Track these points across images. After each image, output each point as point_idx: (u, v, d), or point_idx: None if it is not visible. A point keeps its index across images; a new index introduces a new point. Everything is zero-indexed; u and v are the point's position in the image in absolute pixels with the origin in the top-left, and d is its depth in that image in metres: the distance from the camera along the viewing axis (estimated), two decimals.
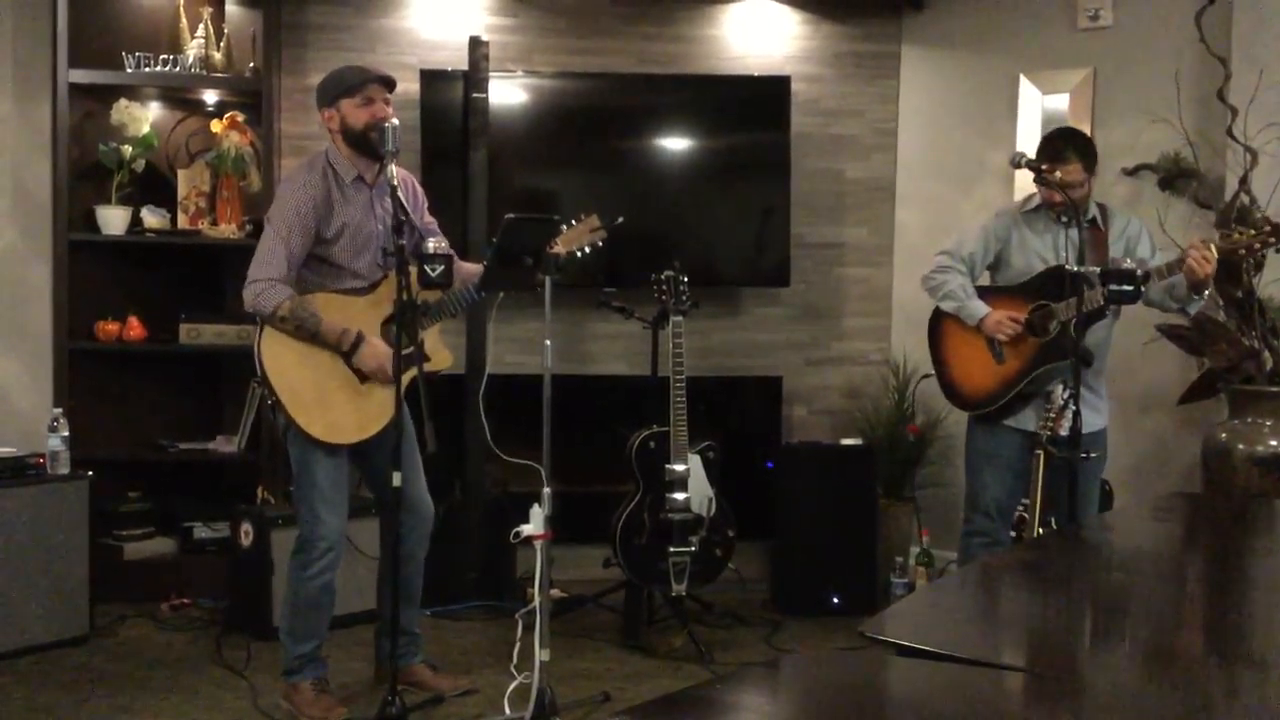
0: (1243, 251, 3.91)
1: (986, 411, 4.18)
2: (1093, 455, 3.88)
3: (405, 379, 3.62)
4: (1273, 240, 3.86)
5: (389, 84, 3.76)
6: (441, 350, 3.83)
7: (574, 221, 3.87)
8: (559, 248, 3.72)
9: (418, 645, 4.05)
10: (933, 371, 4.36)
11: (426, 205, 3.97)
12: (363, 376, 3.70)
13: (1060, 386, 3.82)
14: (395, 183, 3.57)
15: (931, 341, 4.33)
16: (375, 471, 3.87)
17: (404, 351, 3.56)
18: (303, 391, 3.66)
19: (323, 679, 3.85)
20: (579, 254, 3.88)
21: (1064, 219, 3.98)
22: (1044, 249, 4.14)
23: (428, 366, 3.65)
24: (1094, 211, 4.12)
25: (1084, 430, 3.83)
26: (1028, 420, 4.11)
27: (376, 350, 3.66)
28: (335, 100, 3.73)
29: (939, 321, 4.30)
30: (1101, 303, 3.85)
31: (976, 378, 4.19)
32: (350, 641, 4.47)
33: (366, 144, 3.69)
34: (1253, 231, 3.87)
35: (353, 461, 3.85)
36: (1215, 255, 3.81)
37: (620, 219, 3.98)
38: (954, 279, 4.20)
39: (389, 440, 3.66)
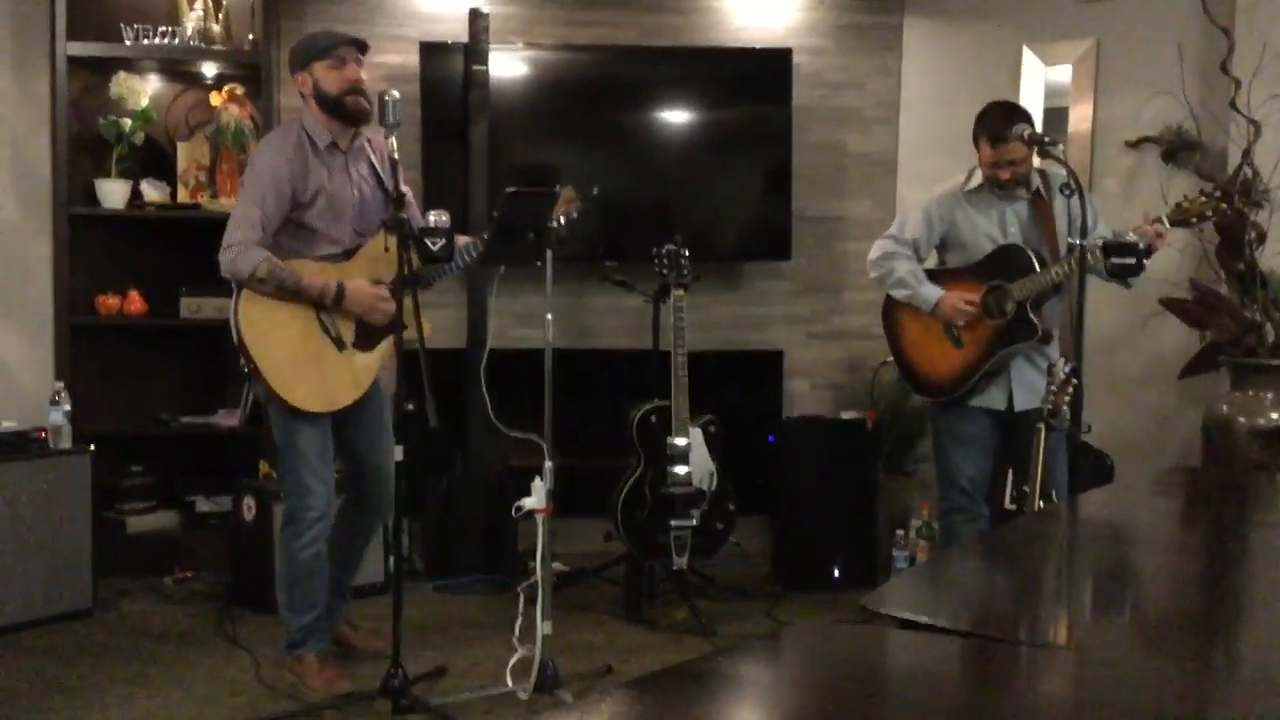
0: (1195, 220, 3.91)
1: (951, 398, 4.17)
2: (1092, 429, 3.88)
3: (384, 350, 3.66)
4: (1222, 205, 3.88)
5: (361, 46, 3.74)
6: (421, 318, 3.81)
7: (558, 188, 3.83)
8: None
9: (348, 606, 4.14)
10: (891, 358, 4.35)
11: (402, 174, 3.93)
12: (342, 344, 3.69)
13: (1062, 360, 3.81)
14: (395, 155, 3.57)
15: (887, 329, 4.30)
16: (348, 442, 3.87)
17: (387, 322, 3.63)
18: (281, 359, 3.64)
19: (326, 651, 3.87)
20: (555, 225, 3.81)
21: (1065, 191, 3.96)
22: (991, 227, 4.12)
23: (407, 334, 3.66)
24: (1036, 182, 4.09)
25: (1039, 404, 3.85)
26: (995, 399, 4.11)
27: (364, 290, 3.63)
28: (308, 63, 3.71)
29: (892, 308, 4.27)
30: (1057, 280, 3.86)
31: (937, 364, 4.17)
32: (354, 615, 4.49)
33: (341, 109, 3.67)
34: (1202, 199, 3.88)
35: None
36: (1168, 228, 3.81)
37: (596, 189, 3.93)
38: (902, 265, 4.18)
39: (364, 411, 3.72)
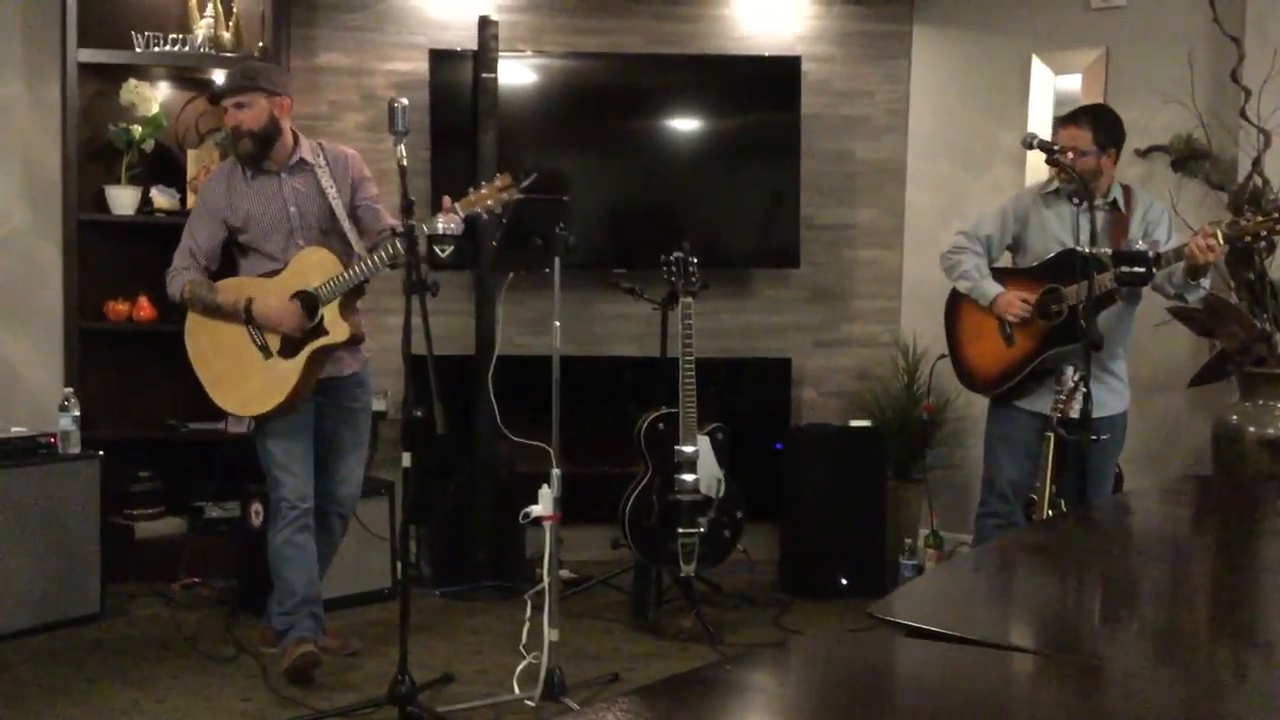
0: (1249, 239, 3.88)
1: (996, 394, 4.18)
2: (1103, 437, 3.87)
3: (306, 356, 3.81)
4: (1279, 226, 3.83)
5: (233, 90, 3.88)
6: (340, 323, 3.85)
7: (483, 184, 3.80)
8: (461, 210, 3.66)
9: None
10: (947, 353, 4.36)
11: (368, 180, 4.01)
12: (268, 351, 3.84)
13: (1071, 369, 3.81)
14: (404, 162, 3.56)
15: (947, 322, 4.32)
16: (320, 460, 4.03)
17: (309, 326, 3.80)
18: (217, 369, 3.92)
19: (305, 638, 3.92)
20: (484, 216, 3.74)
21: (1075, 200, 3.97)
22: (1062, 231, 4.11)
23: (326, 340, 3.81)
24: (1116, 193, 4.09)
25: (1101, 414, 3.84)
26: (1042, 403, 4.09)
27: (266, 304, 3.82)
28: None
29: (955, 302, 4.29)
30: (1110, 286, 3.84)
31: (987, 360, 4.19)
32: (360, 621, 4.50)
33: (235, 150, 3.92)
34: (1260, 218, 3.84)
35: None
36: (1220, 243, 3.79)
37: (534, 175, 3.86)
38: (969, 259, 4.20)
39: (345, 435, 4.02)
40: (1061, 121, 4.12)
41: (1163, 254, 3.78)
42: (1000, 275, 4.20)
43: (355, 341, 3.91)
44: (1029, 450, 4.11)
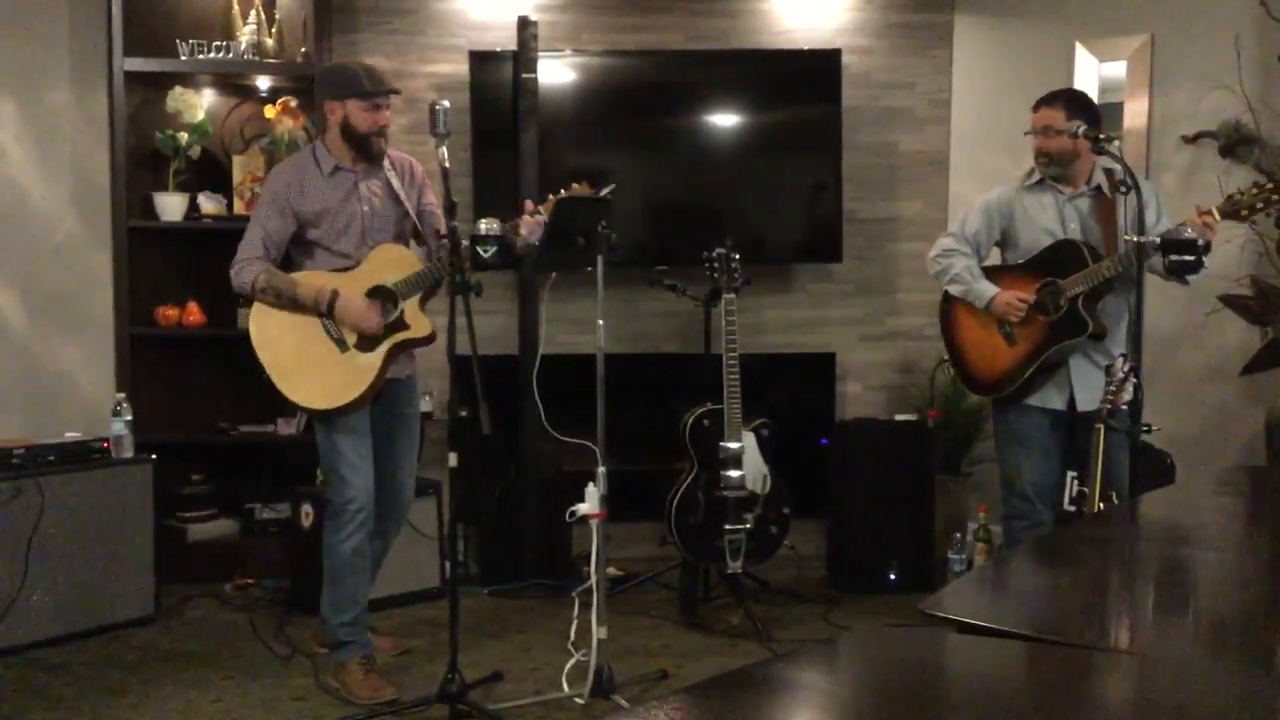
0: (1245, 211, 3.83)
1: (1002, 395, 4.13)
2: (1155, 429, 3.83)
3: (385, 351, 3.80)
4: (1275, 197, 3.78)
5: (388, 91, 3.90)
6: (421, 318, 3.87)
7: (562, 191, 3.85)
8: (542, 215, 3.76)
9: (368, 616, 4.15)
10: (947, 358, 4.32)
11: (428, 186, 4.04)
12: (344, 345, 3.81)
13: (1121, 359, 3.77)
14: (446, 164, 3.59)
15: (944, 327, 4.28)
16: (376, 456, 3.98)
17: (389, 320, 3.80)
18: (285, 360, 3.83)
19: (369, 658, 3.91)
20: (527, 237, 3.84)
21: (1123, 188, 3.92)
22: (1050, 222, 4.07)
23: (407, 335, 3.81)
24: (1099, 178, 4.04)
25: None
26: (1051, 398, 4.06)
27: (352, 303, 3.79)
28: (345, 97, 3.86)
29: (949, 306, 4.25)
30: (1107, 275, 3.81)
31: (990, 362, 4.13)
32: (409, 620, 4.53)
33: (365, 146, 3.87)
34: (1254, 190, 3.79)
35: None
36: (1217, 219, 3.74)
37: (613, 185, 3.91)
38: (959, 261, 4.15)
39: (398, 431, 3.98)
40: (1034, 105, 4.06)
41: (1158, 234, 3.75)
42: (992, 273, 4.15)
43: (433, 338, 3.92)
44: (1043, 447, 4.08)
